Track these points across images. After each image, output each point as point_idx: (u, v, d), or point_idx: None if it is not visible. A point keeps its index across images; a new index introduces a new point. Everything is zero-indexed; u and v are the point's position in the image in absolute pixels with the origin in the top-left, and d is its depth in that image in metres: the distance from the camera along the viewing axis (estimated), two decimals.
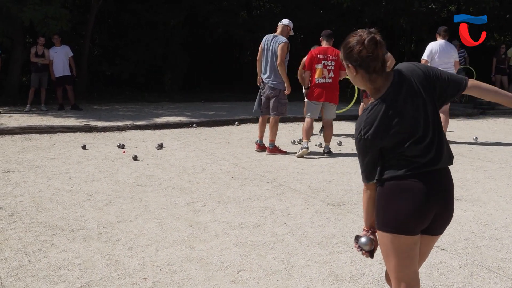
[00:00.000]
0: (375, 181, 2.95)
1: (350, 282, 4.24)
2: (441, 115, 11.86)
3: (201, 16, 23.91)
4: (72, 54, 15.55)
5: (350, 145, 10.56)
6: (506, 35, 28.02)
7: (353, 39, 2.88)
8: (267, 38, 9.72)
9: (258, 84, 9.98)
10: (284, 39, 9.54)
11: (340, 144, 10.56)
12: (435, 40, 11.17)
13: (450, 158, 2.96)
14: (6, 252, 4.79)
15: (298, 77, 9.99)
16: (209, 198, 6.66)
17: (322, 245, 5.07)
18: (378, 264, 4.56)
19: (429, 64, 10.59)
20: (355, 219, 5.82)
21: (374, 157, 2.91)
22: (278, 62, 9.36)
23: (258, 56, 9.86)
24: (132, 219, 5.80)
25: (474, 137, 11.35)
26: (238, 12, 25.65)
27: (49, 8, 15.32)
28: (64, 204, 6.30)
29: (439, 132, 2.90)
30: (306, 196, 6.76)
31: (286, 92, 9.54)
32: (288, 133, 12.10)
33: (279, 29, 9.78)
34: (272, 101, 9.62)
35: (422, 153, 2.85)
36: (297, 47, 13.65)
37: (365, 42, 2.82)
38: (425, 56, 11.19)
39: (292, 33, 9.88)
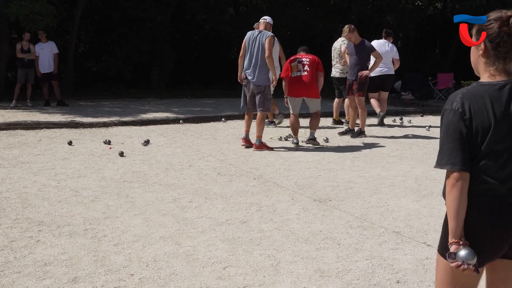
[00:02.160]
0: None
1: (337, 278, 4.25)
2: (375, 102, 12.19)
3: (188, 13, 23.87)
4: (58, 51, 15.49)
5: (336, 142, 10.58)
6: None
7: (494, 14, 2.51)
8: (252, 34, 9.76)
9: (239, 81, 10.03)
10: (271, 33, 9.67)
11: (326, 140, 10.57)
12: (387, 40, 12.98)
13: None
14: None
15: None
16: (196, 194, 6.66)
17: (308, 241, 5.08)
18: (364, 260, 4.58)
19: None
20: (342, 216, 5.83)
21: (467, 142, 2.46)
22: (266, 55, 9.42)
23: (241, 52, 9.93)
24: (119, 215, 5.78)
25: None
26: (225, 9, 25.64)
27: (35, 4, 15.23)
28: (50, 200, 6.27)
29: None
30: (293, 193, 6.77)
31: (274, 84, 9.79)
32: (276, 130, 12.10)
33: (262, 26, 9.90)
34: (258, 98, 9.67)
35: (504, 179, 2.45)
36: (283, 44, 13.64)
37: (511, 20, 2.45)
38: (397, 56, 13.00)
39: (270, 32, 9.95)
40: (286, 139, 10.71)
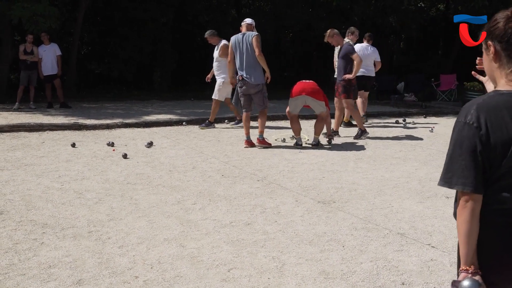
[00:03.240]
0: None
1: (341, 280, 4.24)
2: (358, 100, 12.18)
3: (190, 14, 23.87)
4: (61, 53, 15.49)
5: (340, 143, 10.57)
6: None
7: (500, 14, 2.32)
8: (236, 38, 9.94)
9: (232, 84, 10.53)
10: (256, 32, 9.88)
11: (330, 142, 10.57)
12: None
13: None
14: None
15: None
16: (200, 196, 6.65)
17: (313, 243, 5.07)
18: (369, 262, 4.57)
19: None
20: (346, 217, 5.83)
21: (482, 160, 2.22)
22: (257, 54, 9.63)
23: (229, 58, 10.13)
24: (123, 217, 5.78)
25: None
26: (227, 10, 25.64)
27: (38, 6, 15.26)
28: (53, 202, 6.27)
29: None
30: (297, 194, 6.76)
31: (268, 80, 9.95)
32: (279, 132, 12.10)
33: (244, 28, 10.08)
34: (256, 97, 9.94)
35: None
36: (286, 45, 13.62)
37: None
38: (378, 58, 13.37)
39: (255, 30, 10.17)
40: (283, 141, 10.73)
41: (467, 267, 2.24)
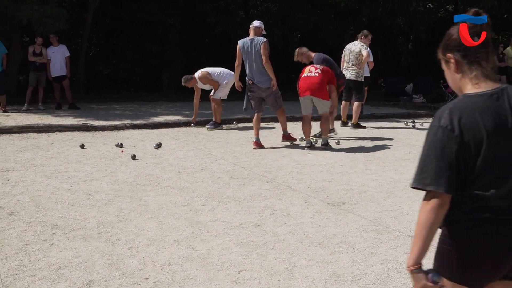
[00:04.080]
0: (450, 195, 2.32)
1: (352, 283, 4.23)
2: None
3: (198, 15, 23.89)
4: (69, 54, 15.54)
5: (348, 144, 10.54)
6: (504, 35, 28.05)
7: (451, 29, 2.47)
8: (244, 42, 10.03)
9: (238, 88, 10.64)
10: (264, 38, 9.92)
11: (338, 143, 10.55)
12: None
13: None
14: (6, 252, 4.77)
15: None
16: (209, 197, 6.64)
17: (323, 245, 5.05)
18: (379, 264, 4.55)
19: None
20: (356, 219, 5.80)
21: (457, 162, 2.30)
22: (264, 61, 9.72)
23: (236, 62, 10.25)
24: (132, 218, 5.78)
25: None
26: (235, 12, 25.65)
27: (47, 8, 15.29)
28: (63, 203, 6.27)
29: None
30: (306, 196, 6.75)
31: (274, 88, 9.93)
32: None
33: (252, 32, 10.11)
34: (268, 100, 10.10)
35: (503, 195, 2.32)
36: (294, 47, 13.61)
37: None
38: (371, 58, 12.98)
39: (264, 32, 10.24)
40: (301, 140, 10.71)
41: (418, 265, 2.34)
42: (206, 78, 12.51)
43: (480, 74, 2.38)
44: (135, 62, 22.02)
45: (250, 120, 13.25)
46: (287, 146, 10.23)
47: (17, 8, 15.12)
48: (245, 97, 10.32)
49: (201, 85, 12.80)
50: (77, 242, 5.05)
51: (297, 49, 11.24)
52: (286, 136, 10.41)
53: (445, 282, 2.39)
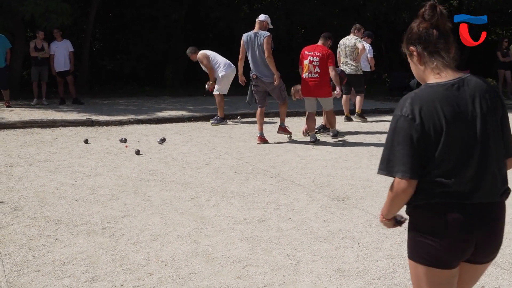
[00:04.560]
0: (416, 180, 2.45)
1: (357, 278, 4.21)
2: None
3: (203, 10, 23.82)
4: (73, 49, 15.51)
5: (353, 139, 10.51)
6: (508, 30, 27.95)
7: (413, 23, 2.62)
8: (248, 36, 10.00)
9: (240, 82, 10.68)
10: (267, 33, 9.88)
11: (343, 137, 10.54)
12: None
13: (500, 187, 2.53)
14: (10, 247, 4.76)
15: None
16: (213, 192, 6.63)
17: (327, 240, 5.04)
18: (385, 259, 4.54)
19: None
20: (361, 214, 5.78)
21: (418, 149, 2.43)
22: (266, 55, 9.69)
23: (240, 55, 10.25)
24: (136, 213, 5.77)
25: None
26: (239, 7, 25.58)
27: (50, 2, 15.24)
28: (67, 199, 6.27)
29: (490, 161, 2.49)
30: (311, 191, 6.73)
31: (276, 83, 9.86)
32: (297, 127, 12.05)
33: (257, 26, 10.08)
34: (274, 93, 10.10)
35: (474, 179, 2.46)
36: (298, 42, 13.54)
37: (425, 13, 2.56)
38: (371, 54, 13.19)
39: (270, 26, 10.21)
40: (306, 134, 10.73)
41: (389, 218, 2.70)
42: (203, 59, 12.72)
43: (440, 64, 2.51)
44: (139, 57, 21.97)
45: (254, 115, 13.23)
46: (291, 141, 10.21)
47: (21, 3, 15.09)
48: (249, 90, 10.38)
49: (203, 67, 12.99)
50: (81, 238, 5.04)
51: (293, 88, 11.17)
52: (283, 128, 10.40)
53: (418, 267, 2.57)
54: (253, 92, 10.14)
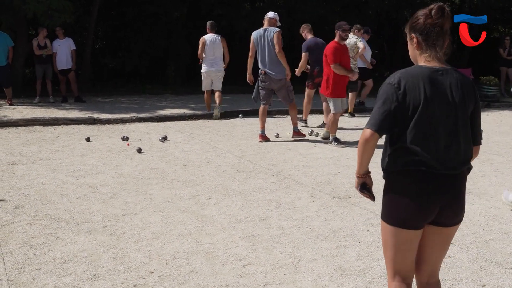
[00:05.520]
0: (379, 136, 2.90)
1: (358, 277, 4.21)
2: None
3: (204, 8, 23.81)
4: (75, 47, 15.50)
5: (355, 138, 10.50)
6: (511, 27, 27.90)
7: (420, 12, 2.95)
8: (258, 33, 10.03)
9: (248, 81, 10.73)
10: (277, 28, 9.91)
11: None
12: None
13: (464, 164, 2.91)
14: (11, 245, 4.77)
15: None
16: (214, 191, 6.63)
17: (329, 238, 5.04)
18: None
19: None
20: (362, 213, 5.78)
21: (394, 113, 2.84)
22: (277, 50, 9.70)
23: (250, 52, 10.28)
24: (137, 212, 5.77)
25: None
26: (240, 4, 25.56)
27: (53, 0, 15.24)
28: (68, 197, 6.27)
29: (459, 139, 2.88)
30: (312, 189, 6.73)
31: (288, 77, 9.92)
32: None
33: (266, 23, 10.11)
34: (280, 93, 10.09)
35: (440, 152, 2.84)
36: (299, 39, 13.54)
37: (433, 11, 2.88)
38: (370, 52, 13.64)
39: (279, 23, 10.25)
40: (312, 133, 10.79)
41: (359, 175, 3.14)
42: (201, 43, 13.24)
43: (433, 56, 2.91)
44: (141, 55, 21.96)
45: (255, 113, 13.27)
46: (292, 140, 10.20)
47: (23, 1, 15.09)
48: (256, 85, 10.38)
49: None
50: (82, 236, 5.04)
51: (304, 24, 11.81)
52: (296, 133, 10.36)
53: (387, 227, 2.98)
54: (260, 88, 10.12)
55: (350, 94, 13.07)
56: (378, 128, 2.85)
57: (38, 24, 16.04)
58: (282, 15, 23.51)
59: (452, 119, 2.84)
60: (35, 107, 13.97)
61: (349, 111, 13.27)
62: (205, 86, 13.46)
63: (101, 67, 23.02)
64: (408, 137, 2.82)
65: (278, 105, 12.67)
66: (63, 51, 15.17)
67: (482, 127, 11.62)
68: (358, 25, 13.11)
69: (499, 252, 4.74)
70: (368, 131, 2.87)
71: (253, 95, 10.50)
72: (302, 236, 5.10)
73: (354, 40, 12.72)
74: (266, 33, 9.83)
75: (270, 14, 10.18)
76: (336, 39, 9.76)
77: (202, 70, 13.31)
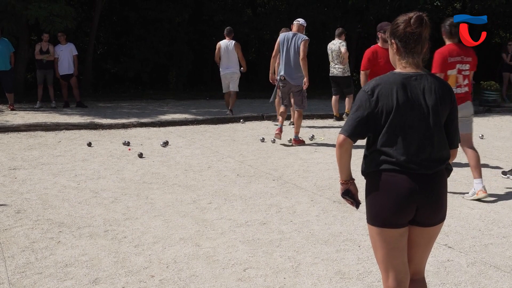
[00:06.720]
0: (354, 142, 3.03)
1: (357, 280, 4.23)
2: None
3: (206, 14, 23.88)
4: (77, 53, 15.54)
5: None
6: None
7: (401, 18, 3.03)
8: (286, 35, 10.17)
9: (271, 81, 11.03)
10: (306, 37, 10.08)
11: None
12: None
13: (438, 164, 2.98)
14: (13, 250, 4.80)
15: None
16: (215, 195, 6.66)
17: (328, 243, 5.06)
18: None
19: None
20: (362, 217, 5.80)
21: (367, 119, 2.96)
22: (301, 57, 9.85)
23: (273, 53, 10.53)
24: (138, 216, 5.80)
25: (480, 135, 11.32)
26: (242, 10, 25.64)
27: (54, 6, 15.31)
28: (70, 202, 6.30)
29: (434, 140, 2.97)
30: (312, 194, 6.75)
31: (305, 86, 10.06)
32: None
33: (295, 28, 10.28)
34: (296, 97, 10.24)
35: (413, 153, 2.93)
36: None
37: (411, 20, 2.97)
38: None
39: (304, 32, 10.42)
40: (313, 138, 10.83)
41: (342, 181, 3.21)
42: (217, 48, 13.81)
43: (410, 62, 3.01)
44: (143, 60, 22.02)
45: (257, 118, 13.36)
46: (293, 145, 10.22)
47: (25, 7, 15.15)
48: (274, 90, 10.69)
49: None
50: (83, 240, 5.07)
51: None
52: (297, 141, 10.36)
53: (372, 229, 3.04)
54: (279, 90, 10.41)
55: (346, 98, 13.27)
56: (351, 133, 2.98)
57: (40, 29, 16.09)
58: (283, 20, 23.65)
59: (425, 123, 2.93)
60: (37, 112, 14.02)
61: (346, 111, 13.38)
62: (224, 88, 13.92)
63: (103, 73, 23.09)
64: (381, 141, 2.95)
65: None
66: (65, 56, 15.22)
67: (483, 132, 11.72)
68: (340, 29, 13.42)
69: (498, 256, 4.76)
70: (341, 137, 3.01)
71: (271, 99, 10.86)
72: (302, 240, 5.13)
73: (338, 45, 13.11)
74: (295, 38, 9.99)
75: (301, 20, 10.37)
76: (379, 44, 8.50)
77: (220, 73, 13.87)
